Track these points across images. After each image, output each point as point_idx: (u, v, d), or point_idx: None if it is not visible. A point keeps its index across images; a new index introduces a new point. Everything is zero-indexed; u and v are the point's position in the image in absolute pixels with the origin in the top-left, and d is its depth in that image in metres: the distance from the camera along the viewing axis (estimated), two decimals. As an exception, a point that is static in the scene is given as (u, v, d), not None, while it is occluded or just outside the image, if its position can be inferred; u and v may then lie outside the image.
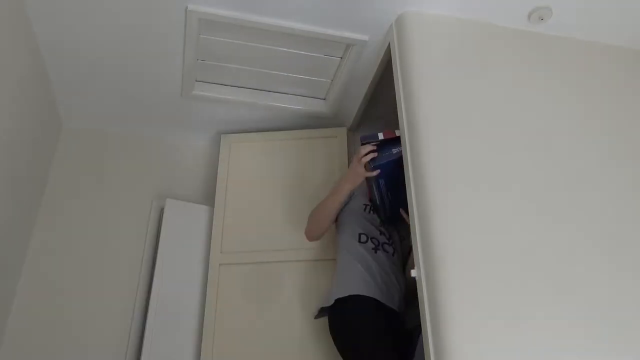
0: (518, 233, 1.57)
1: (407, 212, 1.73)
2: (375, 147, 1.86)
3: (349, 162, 2.49)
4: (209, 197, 2.57)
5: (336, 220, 2.12)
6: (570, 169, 1.73)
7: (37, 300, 2.24)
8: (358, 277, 1.88)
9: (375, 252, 1.95)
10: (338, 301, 1.87)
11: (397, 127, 1.83)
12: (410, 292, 1.88)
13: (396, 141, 1.86)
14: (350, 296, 1.85)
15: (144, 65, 2.23)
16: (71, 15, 1.98)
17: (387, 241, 2.01)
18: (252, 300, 2.25)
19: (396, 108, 1.86)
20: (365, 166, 1.87)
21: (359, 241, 1.96)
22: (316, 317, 2.05)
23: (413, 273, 1.56)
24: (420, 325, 1.53)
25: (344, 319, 1.87)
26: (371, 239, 1.98)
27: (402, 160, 1.77)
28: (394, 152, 1.84)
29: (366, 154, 1.85)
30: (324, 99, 2.52)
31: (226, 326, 2.20)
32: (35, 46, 2.10)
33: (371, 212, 2.05)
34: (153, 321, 2.21)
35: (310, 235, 2.13)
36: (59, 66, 2.24)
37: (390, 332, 1.81)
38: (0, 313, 2.13)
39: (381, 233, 2.01)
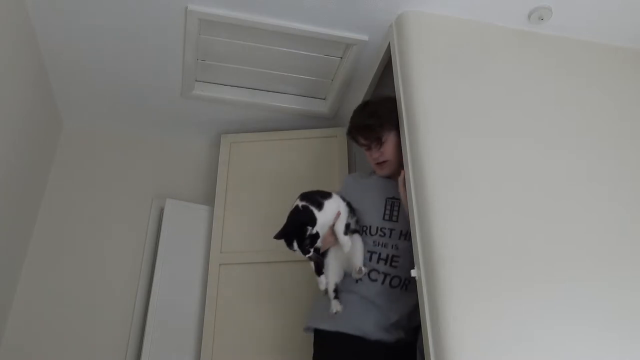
0: (518, 232, 1.57)
1: None
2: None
3: (349, 162, 2.49)
4: (209, 197, 2.57)
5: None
6: (571, 168, 1.73)
7: (37, 301, 2.24)
8: None
9: None
10: None
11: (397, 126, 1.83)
12: None
13: None
14: None
15: (144, 65, 2.23)
16: (71, 16, 1.98)
17: None
18: (252, 300, 2.25)
19: (396, 108, 1.86)
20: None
21: None
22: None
23: (413, 273, 1.56)
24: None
25: None
26: None
27: None
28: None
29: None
30: (324, 99, 2.52)
31: (226, 326, 2.20)
32: (35, 47, 2.10)
33: None
34: (153, 321, 2.22)
35: None
36: (59, 66, 2.24)
37: None
38: None
39: None
